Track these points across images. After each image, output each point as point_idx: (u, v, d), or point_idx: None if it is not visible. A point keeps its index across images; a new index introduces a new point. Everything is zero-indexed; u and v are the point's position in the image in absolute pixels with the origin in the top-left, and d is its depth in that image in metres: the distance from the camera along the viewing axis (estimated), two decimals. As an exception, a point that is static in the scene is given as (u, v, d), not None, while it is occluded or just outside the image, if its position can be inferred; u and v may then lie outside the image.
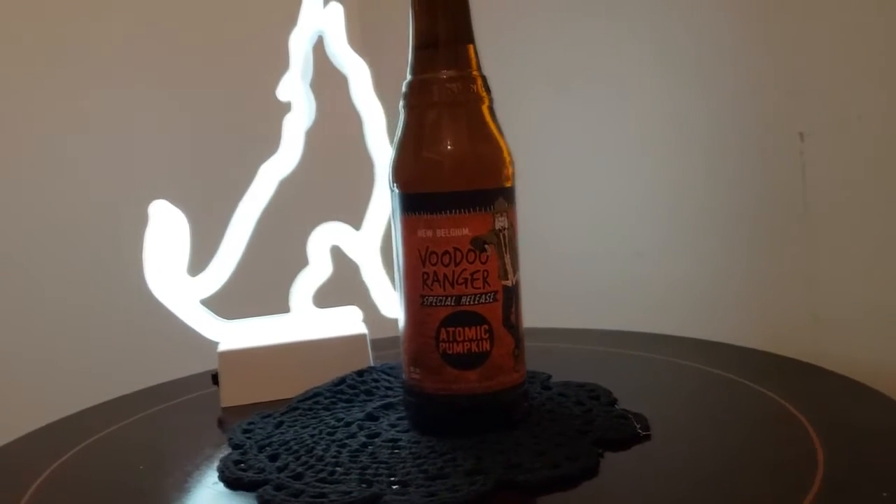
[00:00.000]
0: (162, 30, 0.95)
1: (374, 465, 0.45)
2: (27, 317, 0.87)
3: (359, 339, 0.64)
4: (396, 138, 0.50)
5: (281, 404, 0.58)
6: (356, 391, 0.59)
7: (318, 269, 0.64)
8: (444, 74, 0.48)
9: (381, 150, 0.63)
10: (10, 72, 0.86)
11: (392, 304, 0.65)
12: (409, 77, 0.49)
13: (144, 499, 0.46)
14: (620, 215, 0.84)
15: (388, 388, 0.59)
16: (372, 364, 0.63)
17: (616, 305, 0.85)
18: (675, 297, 0.81)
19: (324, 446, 0.49)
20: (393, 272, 0.64)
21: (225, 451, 0.51)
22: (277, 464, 0.47)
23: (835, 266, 0.71)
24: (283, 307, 0.65)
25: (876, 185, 0.68)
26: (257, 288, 0.68)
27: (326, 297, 0.66)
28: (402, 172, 0.49)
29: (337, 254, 0.64)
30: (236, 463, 0.48)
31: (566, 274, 0.86)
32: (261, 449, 0.49)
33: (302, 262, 0.64)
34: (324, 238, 0.64)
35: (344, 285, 0.66)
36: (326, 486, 0.43)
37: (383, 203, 0.64)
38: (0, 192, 0.86)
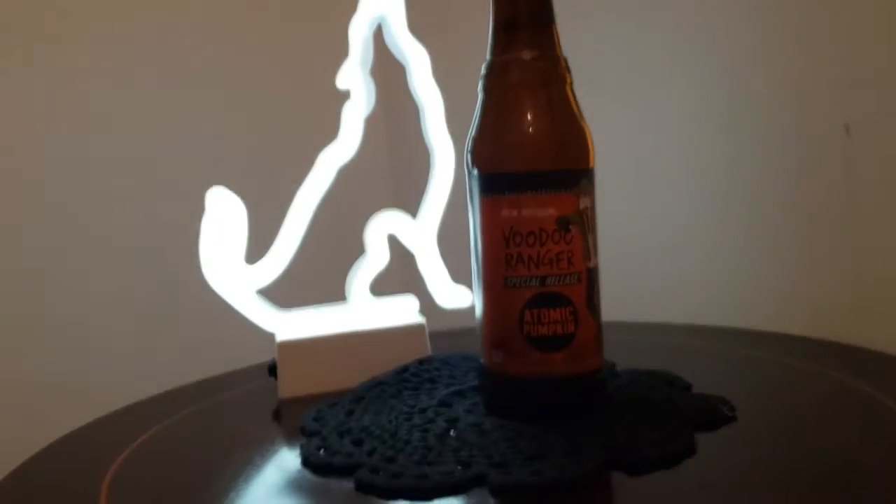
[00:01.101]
0: (222, 17, 0.96)
1: (467, 447, 0.45)
2: (82, 305, 0.88)
3: (418, 328, 0.63)
4: (476, 120, 0.50)
5: (337, 396, 0.57)
6: (420, 379, 0.58)
7: (375, 259, 0.64)
8: (528, 55, 0.48)
9: (440, 138, 0.63)
10: (76, 64, 0.87)
11: (447, 293, 0.64)
12: (489, 58, 0.49)
13: (223, 484, 0.45)
14: (664, 214, 0.84)
15: (451, 377, 0.59)
16: (430, 353, 0.63)
17: (659, 303, 0.84)
18: (717, 292, 0.81)
19: (406, 430, 0.48)
20: (447, 261, 0.64)
21: (295, 439, 0.50)
22: (365, 448, 0.46)
23: (881, 260, 0.71)
24: (338, 296, 0.64)
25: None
26: (313, 277, 0.67)
27: (381, 286, 0.65)
28: (486, 152, 0.49)
29: (393, 243, 0.64)
30: (320, 448, 0.47)
31: (607, 270, 0.86)
32: (340, 435, 0.49)
33: (357, 250, 0.64)
34: (381, 227, 0.63)
35: (399, 274, 0.65)
36: (424, 466, 0.42)
37: (441, 191, 0.63)
38: (70, 178, 0.87)
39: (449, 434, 0.47)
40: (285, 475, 0.45)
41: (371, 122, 0.63)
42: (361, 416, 0.52)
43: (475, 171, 0.49)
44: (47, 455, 0.53)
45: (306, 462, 0.46)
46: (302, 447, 0.47)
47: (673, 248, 0.84)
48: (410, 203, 0.64)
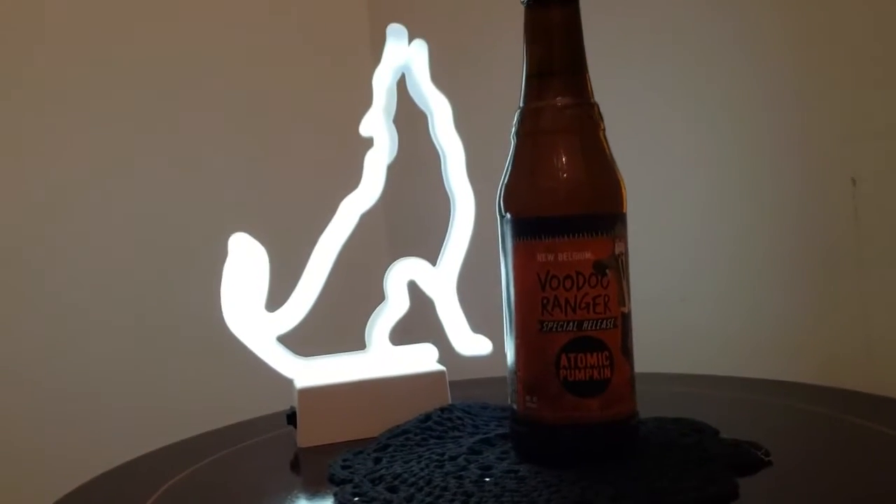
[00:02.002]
0: (249, 64, 0.98)
1: (507, 494, 0.44)
2: (95, 350, 0.88)
3: (439, 376, 0.62)
4: (509, 165, 0.50)
5: (356, 444, 0.56)
6: (444, 428, 0.58)
7: (395, 305, 0.63)
8: (562, 101, 0.49)
9: (461, 186, 0.63)
10: (92, 103, 0.88)
11: (467, 341, 0.64)
12: (521, 105, 0.50)
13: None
14: (673, 263, 0.85)
15: (474, 426, 0.58)
16: (451, 402, 0.62)
17: (670, 354, 0.84)
18: (723, 342, 0.82)
19: (440, 477, 0.47)
20: (466, 309, 0.64)
21: (322, 488, 0.49)
22: (401, 495, 0.45)
23: (890, 311, 0.72)
24: (355, 344, 0.64)
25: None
26: (333, 324, 0.67)
27: (397, 334, 0.64)
28: (520, 197, 0.49)
29: (413, 290, 0.64)
30: (355, 495, 0.46)
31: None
32: (373, 482, 0.48)
33: (376, 298, 0.63)
34: (401, 274, 0.63)
35: (416, 322, 0.65)
36: (468, 512, 0.42)
37: (461, 239, 0.64)
38: (82, 223, 0.88)
39: (485, 481, 0.46)
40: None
41: (393, 170, 0.63)
42: (391, 463, 0.51)
43: (508, 216, 0.49)
44: (70, 500, 0.51)
45: (342, 510, 0.45)
46: (336, 495, 0.46)
47: (683, 298, 0.85)
48: (431, 251, 0.65)
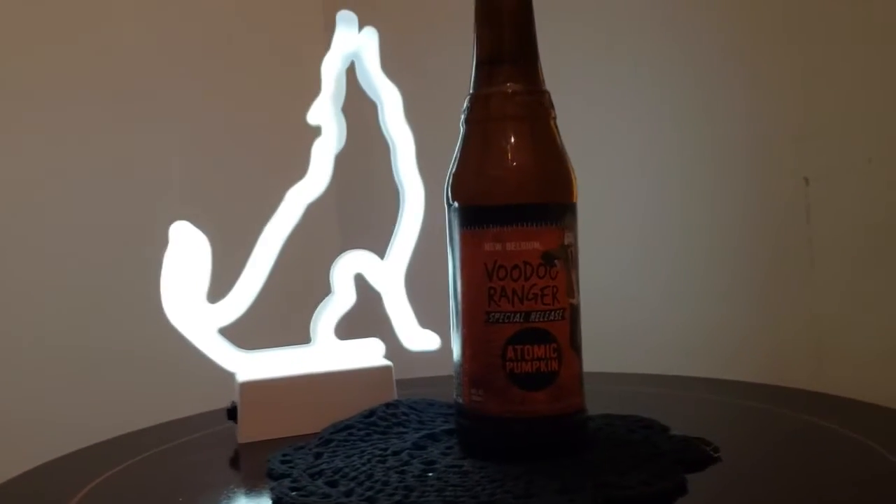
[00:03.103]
0: (193, 50, 0.96)
1: (450, 488, 0.42)
2: (35, 344, 0.85)
3: (384, 370, 0.61)
4: (457, 153, 0.49)
5: (299, 440, 0.54)
6: (388, 423, 0.56)
7: (341, 299, 0.62)
8: (512, 88, 0.47)
9: (410, 177, 0.62)
10: (44, 91, 0.87)
11: (414, 336, 0.63)
12: (472, 91, 0.49)
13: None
14: (618, 261, 0.85)
15: (419, 422, 0.57)
16: (397, 397, 0.61)
17: (614, 352, 0.84)
18: (673, 340, 0.82)
19: (381, 472, 0.46)
20: (414, 304, 0.63)
21: (260, 483, 0.48)
22: (341, 489, 0.43)
23: (840, 309, 0.73)
24: (300, 338, 0.62)
25: (887, 230, 0.70)
26: (276, 317, 0.65)
27: (342, 328, 0.63)
28: (469, 185, 0.48)
29: (360, 283, 0.62)
30: (294, 490, 0.44)
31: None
32: (312, 477, 0.46)
33: (324, 290, 0.62)
34: (348, 266, 0.62)
35: (361, 316, 0.63)
36: (408, 507, 0.40)
37: (410, 232, 0.62)
38: (32, 208, 0.86)
39: (427, 475, 0.45)
40: (255, 520, 0.43)
41: (342, 160, 0.62)
42: (332, 458, 0.49)
43: (456, 205, 0.48)
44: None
45: (278, 503, 0.43)
46: (273, 489, 0.45)
47: (629, 296, 0.85)
48: (379, 243, 0.63)
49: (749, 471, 0.46)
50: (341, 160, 0.61)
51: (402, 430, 0.55)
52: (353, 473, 0.46)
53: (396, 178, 0.62)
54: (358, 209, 0.92)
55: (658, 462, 0.45)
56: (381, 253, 0.63)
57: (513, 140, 0.47)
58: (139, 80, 0.92)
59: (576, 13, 0.85)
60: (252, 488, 0.48)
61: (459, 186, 0.48)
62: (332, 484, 0.44)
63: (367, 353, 0.63)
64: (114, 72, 0.90)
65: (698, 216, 0.80)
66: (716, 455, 0.47)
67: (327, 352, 0.62)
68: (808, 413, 0.56)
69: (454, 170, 0.49)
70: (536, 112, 0.48)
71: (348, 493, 0.43)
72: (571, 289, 0.47)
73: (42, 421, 0.82)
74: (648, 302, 0.84)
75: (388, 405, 0.58)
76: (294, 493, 0.43)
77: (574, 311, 0.48)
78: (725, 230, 0.78)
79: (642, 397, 0.64)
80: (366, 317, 0.63)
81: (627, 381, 0.71)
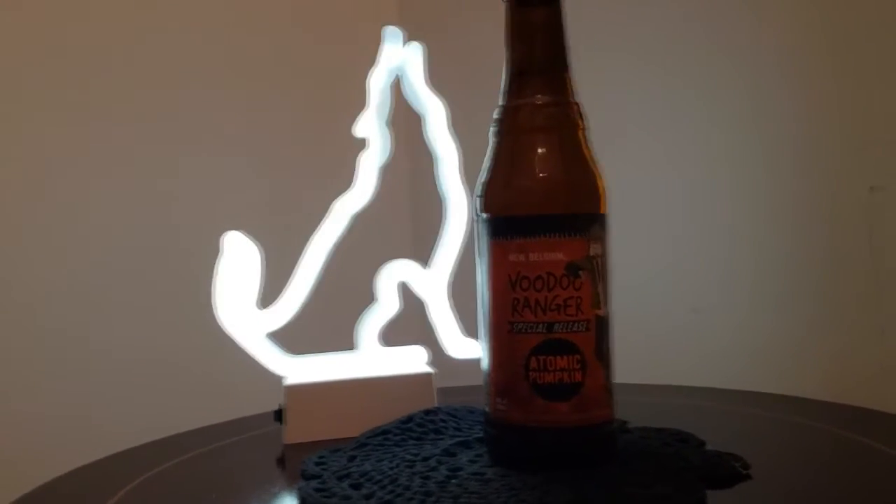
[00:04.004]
0: (245, 63, 1.00)
1: (466, 495, 0.43)
2: (92, 347, 0.90)
3: (425, 378, 0.62)
4: (486, 163, 0.50)
5: (343, 443, 0.56)
6: (425, 430, 0.57)
7: (385, 307, 0.63)
8: (541, 100, 0.48)
9: (454, 188, 0.63)
10: (101, 107, 0.91)
11: (457, 344, 0.63)
12: (502, 103, 0.49)
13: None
14: (676, 271, 0.83)
15: (456, 429, 0.58)
16: (437, 405, 0.62)
17: (673, 362, 0.83)
18: (734, 355, 0.80)
19: (406, 477, 0.47)
20: (459, 313, 0.64)
21: (296, 482, 0.49)
22: (363, 492, 0.45)
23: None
24: (347, 344, 0.64)
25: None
26: (323, 324, 0.67)
27: (390, 336, 0.64)
28: (495, 196, 0.49)
29: (404, 292, 0.64)
30: (318, 490, 0.45)
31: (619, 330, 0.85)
32: (340, 479, 0.47)
33: (368, 298, 0.63)
34: (392, 275, 0.63)
35: (408, 325, 0.65)
36: (421, 512, 0.41)
37: (454, 242, 0.63)
38: (80, 220, 0.90)
39: (451, 482, 0.46)
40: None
41: (388, 172, 0.63)
42: (363, 462, 0.51)
43: (483, 216, 0.49)
44: (44, 492, 0.52)
45: (302, 503, 0.45)
46: (300, 489, 0.46)
47: (694, 309, 0.83)
48: (426, 253, 0.64)
49: (776, 490, 0.44)
50: (386, 171, 0.63)
51: (437, 436, 0.56)
52: (378, 477, 0.47)
53: (441, 189, 0.64)
54: (404, 219, 0.94)
55: (682, 476, 0.44)
56: (425, 262, 0.64)
57: (536, 151, 0.48)
58: (193, 91, 0.96)
59: (623, 19, 0.85)
60: (285, 488, 0.50)
61: (486, 197, 0.49)
62: (357, 486, 0.46)
63: (410, 361, 0.64)
64: (167, 82, 0.95)
65: (763, 229, 0.78)
66: (745, 472, 0.46)
67: (371, 358, 0.63)
68: (865, 435, 0.54)
69: (482, 180, 0.50)
70: (562, 123, 0.48)
71: (368, 496, 0.44)
72: (598, 300, 0.47)
73: (96, 422, 0.87)
74: (714, 316, 0.82)
75: (426, 412, 0.59)
76: (318, 494, 0.45)
77: (601, 323, 0.48)
78: (791, 243, 0.76)
79: (686, 410, 0.63)
80: (412, 324, 0.64)
81: (674, 393, 0.69)
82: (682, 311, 0.84)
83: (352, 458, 0.52)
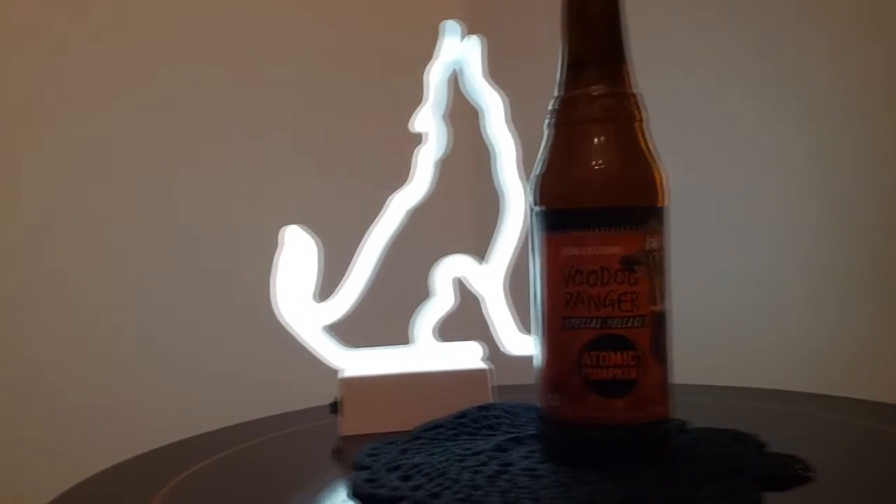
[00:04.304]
0: (303, 57, 1.02)
1: (515, 490, 0.43)
2: (158, 347, 0.93)
3: (480, 373, 0.62)
4: (541, 156, 0.49)
5: (397, 437, 0.56)
6: (479, 425, 0.57)
7: (441, 302, 0.63)
8: (597, 91, 0.47)
9: (512, 183, 0.62)
10: (151, 94, 0.93)
11: (514, 340, 0.63)
12: (557, 94, 0.49)
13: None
14: (744, 272, 0.81)
15: (511, 426, 0.57)
16: (493, 401, 0.61)
17: (733, 362, 0.80)
18: (802, 356, 0.77)
19: (456, 470, 0.46)
20: (516, 307, 0.63)
21: (347, 473, 0.50)
22: (411, 483, 0.45)
23: None
24: (404, 338, 0.64)
25: None
26: (379, 318, 0.67)
27: (448, 331, 0.64)
28: (549, 189, 0.48)
29: (461, 287, 0.63)
30: (367, 481, 0.46)
31: (692, 332, 0.83)
32: (390, 470, 0.47)
33: (425, 293, 0.63)
34: (449, 270, 0.63)
35: (465, 320, 0.64)
36: (467, 504, 0.41)
37: (511, 237, 0.63)
38: (138, 215, 0.92)
39: (501, 477, 0.45)
40: (330, 507, 0.45)
41: (450, 166, 0.63)
42: (414, 455, 0.51)
43: (537, 209, 0.48)
44: (112, 472, 0.54)
45: (353, 493, 0.45)
46: (350, 479, 0.47)
47: (758, 310, 0.81)
48: (481, 248, 0.64)
49: (837, 494, 0.43)
50: (444, 166, 0.63)
51: (491, 432, 0.56)
52: (427, 470, 0.47)
53: (498, 184, 0.63)
54: (461, 214, 0.93)
55: (737, 478, 0.43)
56: (482, 257, 0.63)
57: (591, 143, 0.47)
58: (252, 85, 0.98)
59: (679, 17, 0.83)
60: (337, 478, 0.50)
61: (541, 190, 0.48)
62: (406, 478, 0.46)
63: (466, 356, 0.64)
64: (225, 76, 0.97)
65: (827, 227, 0.75)
66: (805, 475, 0.44)
67: (427, 353, 0.63)
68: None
69: (536, 173, 0.49)
70: (619, 115, 0.47)
71: (416, 488, 0.44)
72: (654, 295, 0.46)
73: (157, 413, 0.90)
74: (782, 317, 0.79)
75: (481, 407, 0.59)
76: (367, 485, 0.45)
77: (658, 319, 0.46)
78: (842, 238, 0.73)
79: (747, 412, 0.62)
80: (471, 320, 0.64)
81: (735, 394, 0.67)
82: (744, 310, 0.81)
83: (403, 451, 0.52)
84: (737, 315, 0.81)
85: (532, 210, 0.49)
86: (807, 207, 0.76)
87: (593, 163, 0.47)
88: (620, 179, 0.46)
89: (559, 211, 0.47)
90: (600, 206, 0.46)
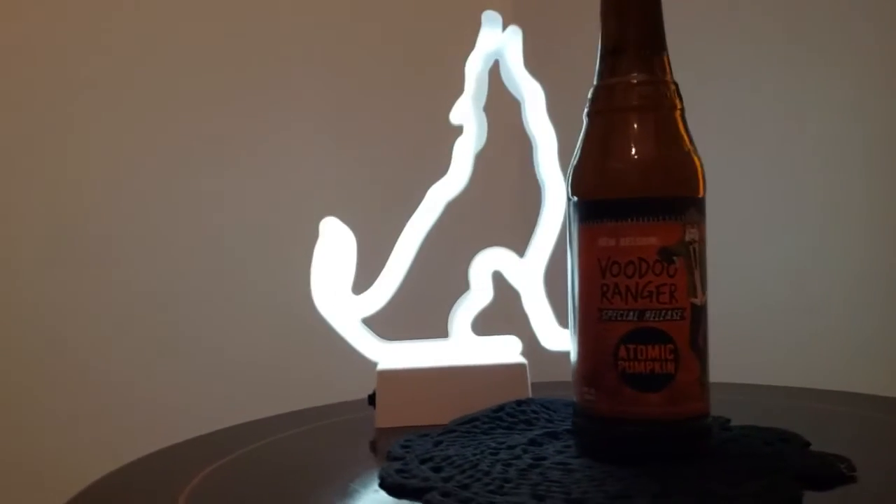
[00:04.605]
0: (341, 49, 1.03)
1: (546, 483, 0.42)
2: (186, 331, 0.94)
3: (519, 368, 0.61)
4: (578, 145, 0.48)
5: (434, 430, 0.55)
6: (515, 420, 0.56)
7: (478, 295, 0.63)
8: (636, 79, 0.46)
9: (553, 174, 0.62)
10: (185, 86, 0.95)
11: (552, 334, 0.62)
12: (595, 83, 0.48)
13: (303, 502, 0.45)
14: (791, 268, 0.79)
15: (548, 421, 0.56)
16: (530, 396, 0.60)
17: (788, 363, 0.78)
18: (852, 355, 0.74)
19: (488, 463, 0.46)
20: (555, 302, 0.62)
21: (381, 464, 0.49)
22: (442, 475, 0.44)
23: None
24: (441, 331, 0.63)
25: None
26: (417, 310, 0.67)
27: (486, 324, 0.64)
28: (586, 178, 0.47)
29: (498, 281, 0.63)
30: (398, 472, 0.45)
31: (736, 328, 0.81)
32: (422, 461, 0.47)
33: (462, 286, 0.63)
34: (486, 263, 0.63)
35: (504, 314, 0.64)
36: (496, 496, 0.40)
37: (550, 230, 0.62)
38: (183, 207, 0.94)
39: (533, 470, 0.45)
40: (358, 495, 0.44)
41: (485, 158, 0.63)
42: (448, 447, 0.50)
43: (574, 199, 0.48)
44: (154, 457, 0.55)
45: (383, 482, 0.45)
46: (381, 468, 0.46)
47: (806, 308, 0.78)
48: (519, 241, 0.63)
49: (880, 494, 0.41)
50: (482, 158, 0.62)
51: (528, 427, 0.55)
52: (459, 461, 0.46)
53: (538, 175, 0.62)
54: (499, 206, 0.92)
55: (777, 476, 0.41)
56: (521, 251, 0.63)
57: (628, 132, 0.46)
58: (290, 77, 0.99)
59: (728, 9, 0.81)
60: (371, 468, 0.50)
61: (577, 180, 0.48)
62: (437, 469, 0.45)
63: (504, 350, 0.63)
64: (265, 68, 0.98)
65: (877, 226, 0.73)
66: (849, 474, 0.42)
67: (464, 346, 0.63)
68: None
69: (574, 163, 0.48)
70: (657, 103, 0.46)
71: (447, 479, 0.43)
72: (694, 288, 0.45)
73: (200, 403, 0.91)
74: (831, 315, 0.77)
75: (518, 402, 0.58)
76: (398, 475, 0.45)
77: (697, 312, 0.45)
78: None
79: (796, 411, 0.60)
80: (509, 314, 0.63)
81: (784, 394, 0.66)
82: (795, 309, 0.79)
83: (437, 443, 0.52)
84: (785, 312, 0.79)
85: (569, 200, 0.48)
86: (852, 201, 0.73)
87: (630, 152, 0.46)
88: (658, 169, 0.45)
89: (594, 201, 0.46)
90: (637, 197, 0.45)
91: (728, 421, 0.54)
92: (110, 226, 0.91)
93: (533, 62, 0.62)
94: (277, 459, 0.54)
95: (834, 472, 0.42)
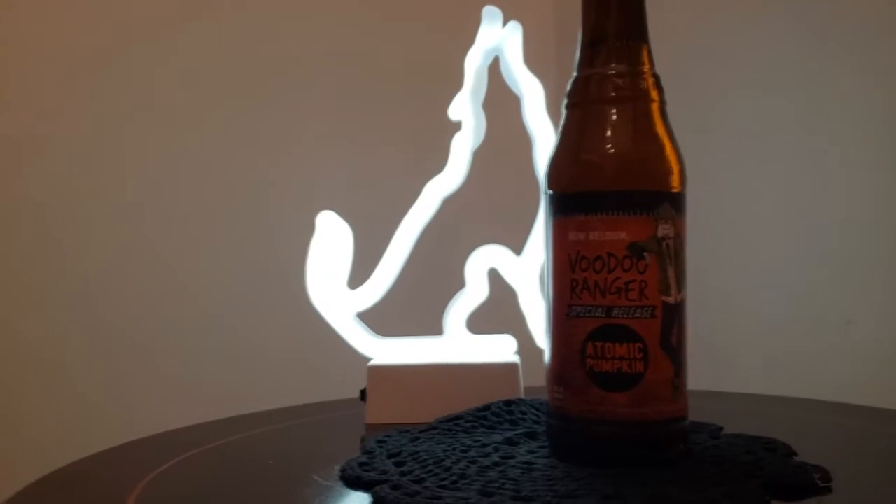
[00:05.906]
0: (340, 45, 1.03)
1: (500, 481, 0.41)
2: (181, 322, 0.96)
3: (510, 367, 0.60)
4: (556, 138, 0.47)
5: (418, 426, 0.55)
6: (500, 419, 0.55)
7: (474, 293, 0.62)
8: (612, 70, 0.45)
9: (550, 172, 0.60)
10: (201, 97, 0.98)
11: (550, 336, 0.61)
12: (574, 74, 0.47)
13: (260, 490, 0.45)
14: (828, 281, 0.76)
15: (535, 422, 0.55)
16: (522, 396, 0.59)
17: (821, 376, 0.75)
18: (855, 367, 0.71)
19: (453, 460, 0.45)
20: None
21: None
22: (402, 469, 0.44)
23: None
24: (435, 329, 0.63)
25: None
26: (412, 307, 0.67)
27: (481, 322, 0.63)
28: (558, 171, 0.46)
29: (494, 278, 0.62)
30: (361, 465, 0.45)
31: (766, 339, 0.78)
32: (389, 456, 0.47)
33: (458, 283, 0.62)
34: (482, 261, 0.62)
35: (500, 312, 0.63)
36: (445, 491, 0.40)
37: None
38: (175, 203, 0.97)
39: (495, 468, 0.44)
40: (317, 486, 0.44)
41: (483, 154, 0.62)
42: (423, 444, 0.50)
43: (549, 192, 0.46)
44: (146, 440, 0.57)
45: (342, 474, 0.44)
46: (345, 461, 0.46)
47: (848, 321, 0.75)
48: (516, 238, 0.62)
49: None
50: (480, 154, 0.62)
51: (511, 427, 0.54)
52: (425, 458, 0.46)
53: (536, 173, 0.61)
54: (496, 203, 0.91)
55: (746, 483, 0.40)
56: (518, 249, 0.62)
57: (600, 124, 0.45)
58: (288, 73, 1.00)
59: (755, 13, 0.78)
60: (338, 462, 0.49)
61: (549, 173, 0.47)
62: (400, 464, 0.45)
63: (497, 349, 0.62)
64: (262, 61, 0.99)
65: (882, 238, 0.69)
66: (823, 485, 0.40)
67: (458, 344, 0.62)
68: None
69: (550, 156, 0.47)
70: (632, 95, 0.45)
71: (405, 473, 0.43)
72: (667, 285, 0.44)
73: (191, 397, 0.93)
74: (870, 328, 0.74)
75: (507, 402, 0.57)
76: (359, 468, 0.44)
77: (670, 311, 0.44)
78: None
79: (796, 422, 0.57)
80: (505, 313, 0.62)
81: (796, 405, 0.63)
82: (831, 322, 0.76)
83: (414, 440, 0.51)
84: (821, 328, 0.76)
85: (545, 194, 0.47)
86: (852, 201, 0.70)
87: (601, 144, 0.44)
88: (628, 162, 0.44)
89: (565, 194, 0.45)
90: (608, 190, 0.43)
91: (720, 429, 0.52)
92: (107, 219, 0.94)
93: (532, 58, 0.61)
94: (258, 454, 0.54)
95: (806, 482, 0.40)
